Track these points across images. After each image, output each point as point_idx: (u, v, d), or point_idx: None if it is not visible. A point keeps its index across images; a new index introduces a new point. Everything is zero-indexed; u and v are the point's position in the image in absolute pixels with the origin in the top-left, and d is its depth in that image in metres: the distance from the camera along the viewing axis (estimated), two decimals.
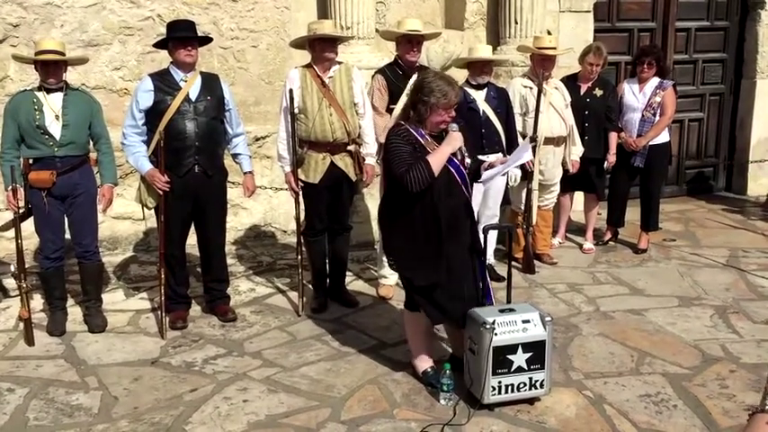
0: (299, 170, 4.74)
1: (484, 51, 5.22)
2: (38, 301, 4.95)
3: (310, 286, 5.09)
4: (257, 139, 6.38)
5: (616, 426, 3.50)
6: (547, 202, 5.92)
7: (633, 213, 6.39)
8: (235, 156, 4.84)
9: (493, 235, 5.35)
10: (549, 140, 5.61)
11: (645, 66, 5.97)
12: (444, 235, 3.59)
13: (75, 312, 4.83)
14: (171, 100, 4.43)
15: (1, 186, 4.83)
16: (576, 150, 5.80)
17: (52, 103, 4.41)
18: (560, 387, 3.83)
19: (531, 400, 3.65)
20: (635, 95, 6.05)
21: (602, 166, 6.10)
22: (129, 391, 3.86)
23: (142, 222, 5.54)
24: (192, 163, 4.50)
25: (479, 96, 5.17)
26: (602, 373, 4.03)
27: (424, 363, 3.90)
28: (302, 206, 4.84)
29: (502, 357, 3.52)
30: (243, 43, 6.48)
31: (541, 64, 5.54)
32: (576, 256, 6.15)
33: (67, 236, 4.63)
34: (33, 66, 4.51)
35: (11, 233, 4.50)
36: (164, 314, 4.55)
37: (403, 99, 4.67)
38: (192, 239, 4.81)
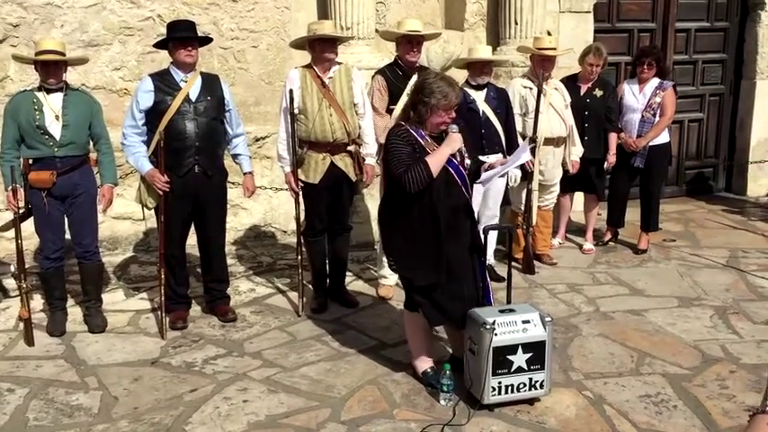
0: (299, 170, 4.74)
1: (484, 52, 5.22)
2: (38, 302, 4.95)
3: (310, 286, 5.09)
4: (257, 140, 6.38)
5: (616, 426, 3.50)
6: (547, 203, 5.92)
7: (633, 214, 6.39)
8: (235, 156, 4.84)
9: (493, 235, 5.35)
10: (548, 141, 5.62)
11: (645, 66, 5.97)
12: (444, 235, 3.59)
13: (75, 312, 4.83)
14: (171, 100, 4.43)
15: (1, 186, 4.83)
16: (576, 151, 5.80)
17: (52, 104, 4.41)
18: (560, 387, 3.83)
19: (530, 401, 3.65)
20: (635, 96, 6.05)
21: (602, 166, 6.11)
22: (129, 391, 3.86)
23: (142, 222, 5.54)
24: (192, 163, 4.50)
25: (479, 97, 5.17)
26: (602, 373, 4.03)
27: (424, 363, 3.90)
28: (302, 206, 4.84)
29: (502, 358, 3.52)
30: (243, 43, 6.48)
31: (541, 64, 5.54)
32: (575, 256, 6.15)
33: (67, 236, 4.63)
34: (33, 66, 4.50)
35: (11, 233, 4.50)
36: (164, 314, 4.55)
37: (403, 99, 4.68)
38: (192, 239, 4.81)
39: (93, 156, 4.64)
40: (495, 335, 3.49)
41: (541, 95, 5.41)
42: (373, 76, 5.07)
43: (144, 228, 6.03)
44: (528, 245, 5.67)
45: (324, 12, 6.49)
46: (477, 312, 3.61)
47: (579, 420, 3.55)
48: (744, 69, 8.18)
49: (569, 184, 6.06)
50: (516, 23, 6.79)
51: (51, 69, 4.40)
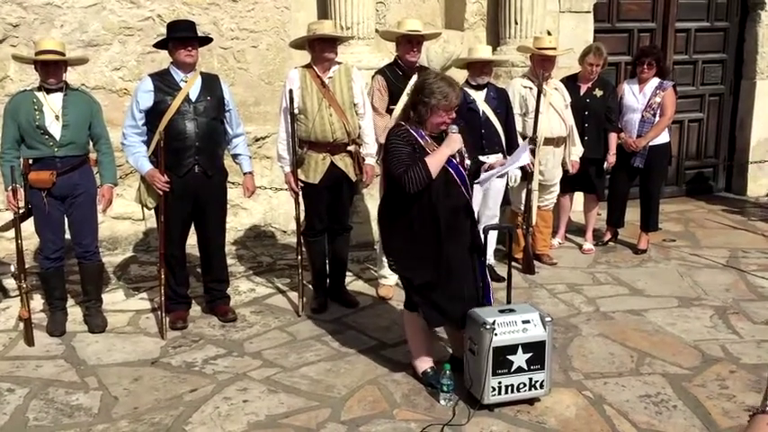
0: (299, 170, 4.74)
1: (484, 52, 5.22)
2: (38, 302, 4.95)
3: (310, 286, 5.09)
4: (257, 140, 6.38)
5: (616, 426, 3.50)
6: (547, 203, 5.92)
7: (633, 214, 6.39)
8: (235, 156, 4.84)
9: (493, 235, 5.35)
10: (548, 141, 5.62)
11: (645, 66, 5.97)
12: (443, 235, 3.59)
13: (75, 312, 4.83)
14: (171, 100, 4.43)
15: (1, 186, 4.83)
16: (576, 151, 5.80)
17: (52, 104, 4.41)
18: (560, 387, 3.83)
19: (530, 401, 3.65)
20: (635, 96, 6.05)
21: (602, 166, 6.11)
22: (129, 391, 3.86)
23: (142, 222, 5.54)
24: (192, 163, 4.50)
25: (479, 97, 5.17)
26: (602, 373, 4.03)
27: (424, 363, 3.90)
28: (302, 206, 4.84)
29: (502, 358, 3.52)
30: (243, 43, 6.48)
31: (541, 64, 5.54)
32: (575, 256, 6.15)
33: (67, 236, 4.63)
34: (33, 66, 4.50)
35: (11, 233, 4.50)
36: (164, 314, 4.55)
37: (403, 99, 4.68)
38: (192, 239, 4.81)
39: (92, 156, 4.64)
40: (495, 335, 3.49)
41: (541, 95, 5.41)
42: (373, 76, 5.07)
43: (144, 228, 6.03)
44: (528, 245, 5.67)
45: (324, 12, 6.49)
46: (477, 312, 3.61)
47: (579, 420, 3.55)
48: (744, 69, 8.18)
49: (569, 184, 6.06)
50: (516, 23, 6.79)
51: (51, 69, 4.40)
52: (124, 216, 6.07)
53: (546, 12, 6.94)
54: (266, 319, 4.83)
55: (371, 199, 5.92)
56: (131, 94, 4.96)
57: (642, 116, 6.00)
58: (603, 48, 5.94)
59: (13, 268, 4.44)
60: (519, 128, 5.49)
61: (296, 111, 4.67)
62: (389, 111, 4.94)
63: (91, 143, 4.61)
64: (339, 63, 4.80)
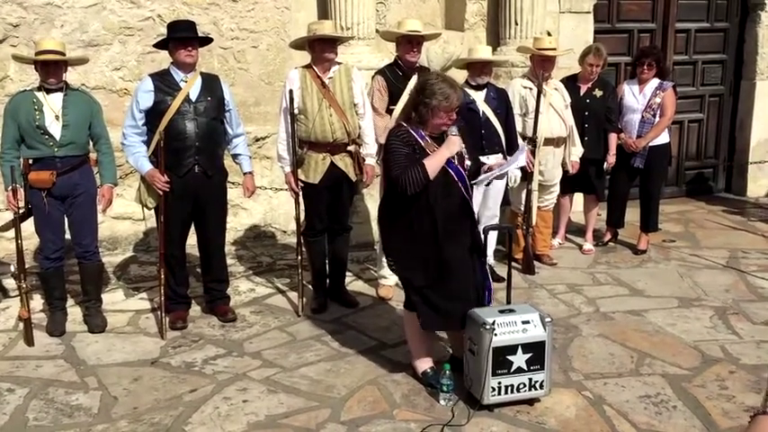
0: (299, 170, 4.74)
1: (484, 52, 5.22)
2: (38, 302, 4.95)
3: (310, 287, 5.09)
4: (257, 140, 6.38)
5: (616, 426, 3.50)
6: (547, 203, 5.92)
7: (633, 214, 6.39)
8: (235, 156, 4.84)
9: (493, 236, 5.35)
10: (548, 141, 5.62)
11: (645, 67, 5.97)
12: (442, 236, 3.60)
13: (74, 312, 4.83)
14: (171, 100, 4.43)
15: (1, 186, 4.83)
16: (576, 151, 5.80)
17: (52, 104, 4.41)
18: (560, 388, 3.83)
19: (530, 401, 3.65)
20: (635, 96, 6.05)
21: (602, 166, 6.10)
22: (128, 391, 3.86)
23: (142, 222, 5.54)
24: (192, 163, 4.50)
25: (479, 97, 5.17)
26: (602, 373, 4.03)
27: (424, 363, 3.90)
28: (302, 206, 4.84)
29: (502, 358, 3.52)
30: (243, 44, 6.48)
31: (541, 65, 5.54)
32: (575, 256, 6.15)
33: (67, 236, 4.63)
34: (33, 66, 4.50)
35: (11, 233, 4.50)
36: (163, 314, 4.55)
37: (403, 99, 4.68)
38: (191, 240, 4.81)
39: (92, 156, 4.64)
40: (495, 335, 3.49)
41: (541, 96, 5.42)
42: (373, 77, 5.07)
43: (144, 228, 6.03)
44: (528, 245, 5.68)
45: (324, 12, 6.49)
46: (476, 313, 3.61)
47: (579, 421, 3.55)
48: (744, 70, 8.17)
49: (569, 184, 6.06)
50: (516, 24, 6.80)
51: (51, 69, 4.40)
52: (124, 216, 6.07)
53: (546, 12, 6.94)
54: (266, 319, 4.83)
55: (371, 199, 5.92)
56: (131, 94, 4.96)
57: (642, 117, 6.00)
58: (603, 48, 5.94)
59: (13, 268, 4.45)
60: (519, 128, 5.49)
61: (296, 111, 4.67)
62: (389, 111, 4.94)
63: (91, 143, 4.61)
64: (339, 63, 4.80)
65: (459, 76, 5.17)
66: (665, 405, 3.69)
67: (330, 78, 4.71)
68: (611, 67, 6.93)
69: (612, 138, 6.01)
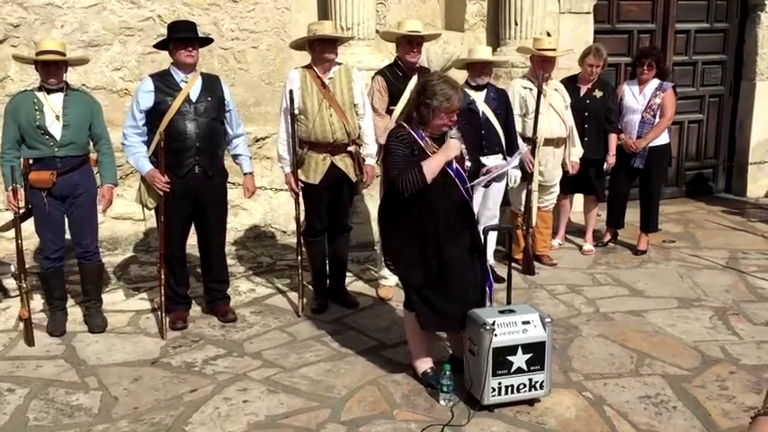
0: (299, 171, 4.74)
1: (484, 52, 5.22)
2: (38, 302, 4.95)
3: (310, 287, 5.09)
4: (257, 140, 6.38)
5: (616, 427, 3.50)
6: (547, 204, 5.92)
7: (633, 215, 6.39)
8: (235, 156, 4.85)
9: (493, 236, 5.35)
10: (548, 142, 5.62)
11: (645, 67, 5.97)
12: (442, 236, 3.60)
13: (75, 312, 4.83)
14: (171, 101, 4.44)
15: (1, 186, 4.83)
16: (576, 152, 5.80)
17: (52, 104, 4.41)
18: (560, 388, 3.83)
19: (530, 401, 3.65)
20: (635, 97, 6.05)
21: (602, 167, 6.11)
22: (129, 391, 3.86)
23: (142, 223, 5.55)
24: (192, 164, 4.50)
25: (479, 97, 5.17)
26: (602, 374, 4.03)
27: (424, 364, 3.90)
28: (302, 207, 4.85)
29: (502, 358, 3.52)
30: (243, 44, 6.48)
31: (541, 65, 5.54)
32: (575, 257, 6.15)
33: (67, 236, 4.63)
34: (34, 66, 4.51)
35: (11, 233, 4.51)
36: (164, 314, 4.55)
37: (403, 100, 4.68)
38: (192, 240, 4.81)
39: (93, 156, 4.65)
40: (495, 335, 3.49)
41: (541, 96, 5.42)
42: (373, 77, 5.07)
43: (144, 228, 6.03)
44: (528, 246, 5.68)
45: (324, 12, 6.49)
46: (476, 313, 3.61)
47: (579, 421, 3.55)
48: (743, 70, 8.17)
49: (569, 184, 6.06)
50: (516, 24, 6.80)
51: (52, 69, 4.40)
52: (124, 216, 6.07)
53: (546, 13, 6.94)
54: (266, 319, 4.83)
55: (371, 199, 5.93)
56: (132, 95, 4.96)
57: (642, 117, 6.00)
58: (603, 49, 5.94)
59: (13, 268, 4.45)
60: (519, 128, 5.49)
61: (296, 111, 4.68)
62: (389, 111, 4.94)
63: (91, 143, 4.61)
64: (339, 64, 4.80)
65: (459, 76, 5.17)
66: (665, 405, 3.70)
67: (330, 79, 4.71)
68: (611, 68, 6.93)
69: (612, 138, 6.02)
